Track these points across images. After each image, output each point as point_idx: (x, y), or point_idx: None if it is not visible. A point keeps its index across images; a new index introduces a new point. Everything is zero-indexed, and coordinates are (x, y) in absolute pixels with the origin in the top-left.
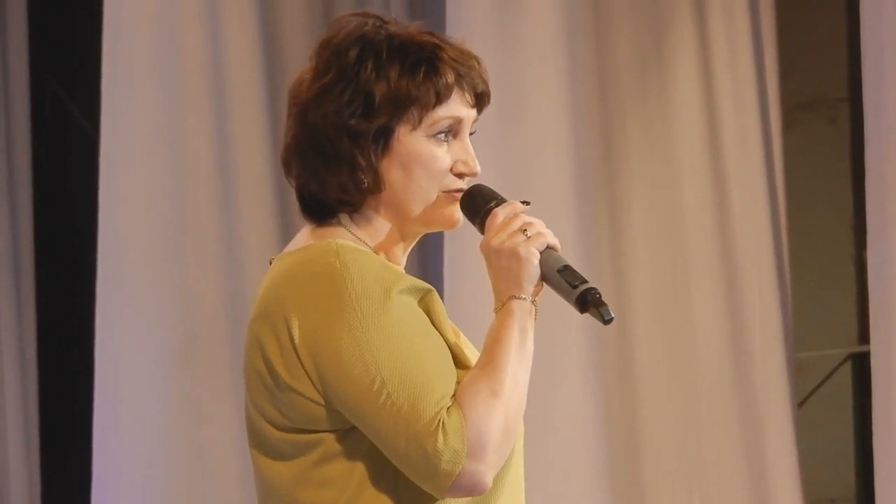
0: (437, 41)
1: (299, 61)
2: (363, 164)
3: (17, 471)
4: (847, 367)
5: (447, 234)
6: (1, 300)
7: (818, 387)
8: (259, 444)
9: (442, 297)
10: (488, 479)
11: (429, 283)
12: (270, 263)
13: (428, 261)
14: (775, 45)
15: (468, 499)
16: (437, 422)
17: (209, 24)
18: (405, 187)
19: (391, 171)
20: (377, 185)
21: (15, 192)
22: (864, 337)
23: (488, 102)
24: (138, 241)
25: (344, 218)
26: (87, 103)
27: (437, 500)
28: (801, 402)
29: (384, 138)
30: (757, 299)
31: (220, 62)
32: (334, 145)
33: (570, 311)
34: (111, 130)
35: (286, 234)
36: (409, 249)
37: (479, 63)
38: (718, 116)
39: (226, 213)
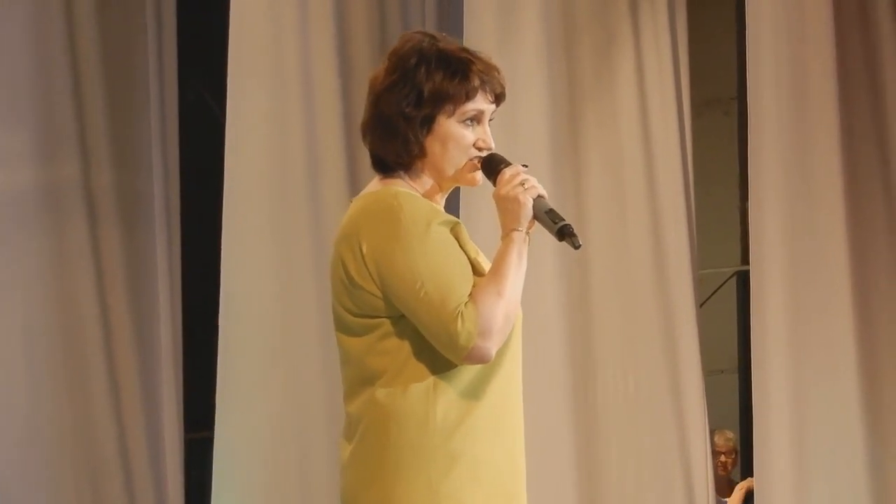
0: (470, 57)
1: (363, 61)
2: (412, 139)
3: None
4: (733, 281)
5: (463, 190)
6: (157, 236)
7: (713, 293)
8: (341, 327)
9: None
10: (493, 353)
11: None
12: (351, 202)
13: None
14: (688, 60)
15: (480, 365)
16: (457, 312)
17: (301, 35)
18: (442, 156)
19: (433, 145)
20: (422, 154)
21: (167, 158)
22: (745, 260)
23: (504, 99)
24: (253, 190)
25: (401, 173)
26: (217, 94)
27: (457, 366)
28: (701, 304)
29: (429, 122)
30: (672, 232)
31: (308, 61)
32: (394, 125)
33: (550, 239)
34: (234, 115)
35: (354, 185)
36: (445, 198)
37: (498, 72)
38: (648, 109)
39: (312, 166)
